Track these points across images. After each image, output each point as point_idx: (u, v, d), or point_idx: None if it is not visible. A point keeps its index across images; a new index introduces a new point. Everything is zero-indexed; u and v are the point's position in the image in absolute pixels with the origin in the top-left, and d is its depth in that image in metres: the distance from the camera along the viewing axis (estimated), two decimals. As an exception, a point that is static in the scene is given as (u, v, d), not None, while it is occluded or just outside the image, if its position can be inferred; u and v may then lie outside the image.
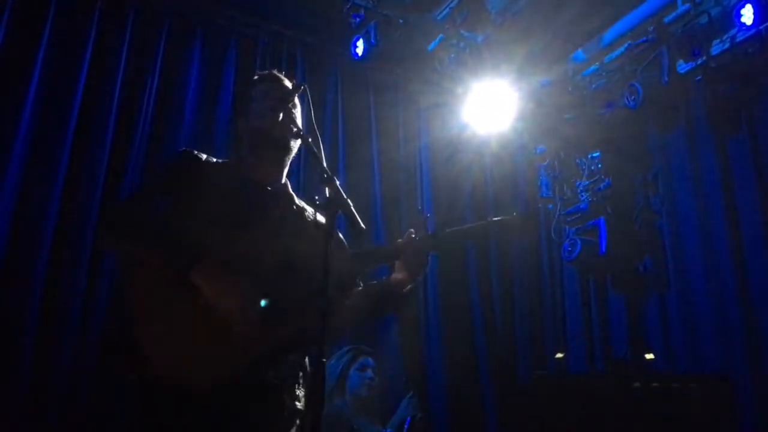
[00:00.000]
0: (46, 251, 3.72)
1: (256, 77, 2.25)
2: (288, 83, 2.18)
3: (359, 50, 4.82)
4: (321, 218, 2.15)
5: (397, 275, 2.11)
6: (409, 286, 2.11)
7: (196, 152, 2.08)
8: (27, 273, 3.65)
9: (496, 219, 2.13)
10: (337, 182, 1.80)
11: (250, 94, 2.19)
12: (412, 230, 2.11)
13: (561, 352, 5.18)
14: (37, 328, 3.61)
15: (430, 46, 5.16)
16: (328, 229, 1.72)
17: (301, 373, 1.98)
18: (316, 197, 2.20)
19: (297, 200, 2.21)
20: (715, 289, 4.67)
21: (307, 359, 1.97)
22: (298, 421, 1.93)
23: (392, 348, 4.76)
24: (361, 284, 2.14)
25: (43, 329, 3.63)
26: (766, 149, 4.60)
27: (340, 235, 2.16)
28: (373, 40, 4.71)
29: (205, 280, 1.79)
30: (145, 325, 1.80)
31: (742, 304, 4.50)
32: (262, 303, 1.81)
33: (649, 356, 4.77)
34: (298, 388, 1.96)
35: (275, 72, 2.23)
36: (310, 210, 2.21)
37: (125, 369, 1.85)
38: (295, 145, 2.13)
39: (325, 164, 1.84)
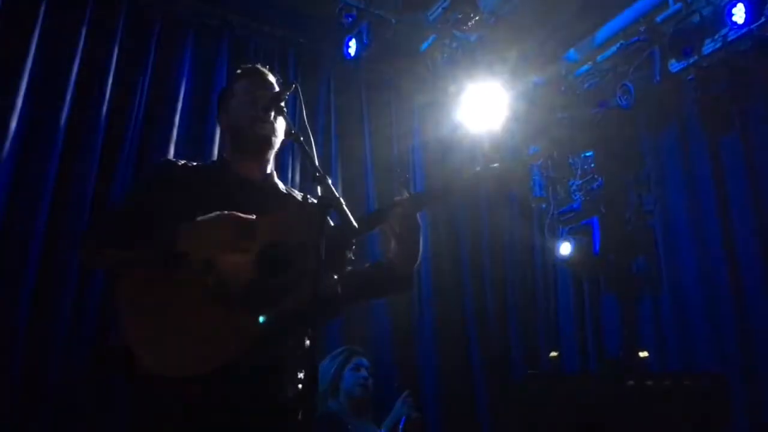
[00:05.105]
0: (35, 256, 3.68)
1: (239, 71, 2.22)
2: (272, 77, 2.17)
3: (352, 50, 4.80)
4: (312, 200, 2.13)
5: (393, 246, 2.03)
6: (408, 258, 2.02)
7: (173, 159, 2.11)
8: (16, 279, 3.62)
9: (479, 169, 2.06)
10: (329, 181, 1.79)
11: (232, 90, 2.17)
12: (397, 197, 2.01)
13: (555, 351, 5.18)
14: (27, 334, 3.58)
15: (423, 46, 5.16)
16: (320, 228, 1.71)
17: (299, 356, 1.92)
18: (308, 196, 2.19)
19: (282, 188, 2.19)
20: (708, 288, 4.68)
21: (306, 341, 1.92)
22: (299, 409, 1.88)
23: (386, 348, 4.76)
24: (353, 257, 2.08)
25: (34, 336, 3.60)
26: (759, 147, 4.61)
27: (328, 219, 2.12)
28: (365, 40, 4.69)
29: (190, 242, 1.79)
30: (138, 326, 1.78)
31: (735, 302, 4.51)
32: (261, 319, 1.79)
33: (643, 354, 4.78)
34: (298, 372, 1.91)
35: (258, 66, 2.20)
36: (298, 196, 2.18)
37: (120, 370, 1.84)
38: (278, 139, 2.10)
39: (317, 163, 1.83)
